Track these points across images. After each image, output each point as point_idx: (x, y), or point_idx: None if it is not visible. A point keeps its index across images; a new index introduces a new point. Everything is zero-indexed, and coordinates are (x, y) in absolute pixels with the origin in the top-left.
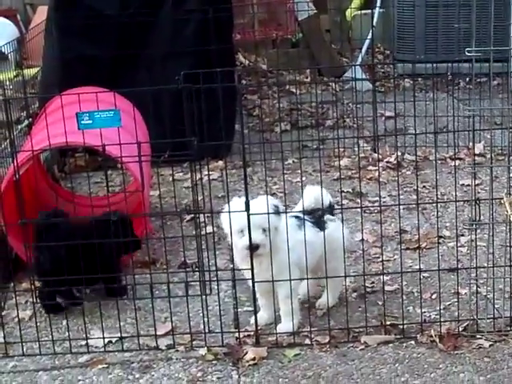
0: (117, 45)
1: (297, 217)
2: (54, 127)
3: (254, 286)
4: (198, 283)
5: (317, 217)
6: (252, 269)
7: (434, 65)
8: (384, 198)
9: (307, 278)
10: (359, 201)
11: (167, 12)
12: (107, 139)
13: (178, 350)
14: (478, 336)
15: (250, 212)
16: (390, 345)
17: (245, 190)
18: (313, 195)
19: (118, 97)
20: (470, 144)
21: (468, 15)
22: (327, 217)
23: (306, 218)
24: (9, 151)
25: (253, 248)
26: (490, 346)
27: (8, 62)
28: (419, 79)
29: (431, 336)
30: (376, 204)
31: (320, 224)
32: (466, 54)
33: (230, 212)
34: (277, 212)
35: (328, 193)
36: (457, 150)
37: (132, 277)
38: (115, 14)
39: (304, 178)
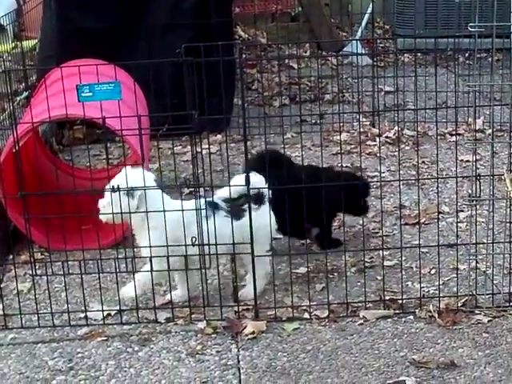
0: (116, 17)
1: (211, 204)
2: (53, 99)
3: (253, 261)
4: (197, 257)
5: (238, 205)
6: (252, 243)
7: (435, 40)
8: (383, 173)
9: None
10: None
11: None
12: (106, 112)
13: (177, 324)
14: (476, 311)
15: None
16: (389, 320)
17: (245, 163)
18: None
19: (118, 69)
20: (469, 120)
21: None
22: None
23: (220, 204)
24: (7, 123)
25: None
26: (489, 321)
27: (6, 34)
28: (419, 54)
29: (430, 311)
30: (375, 179)
31: (236, 213)
32: (469, 29)
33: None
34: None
35: (262, 181)
36: (455, 126)
37: (131, 250)
38: None
39: (301, 153)
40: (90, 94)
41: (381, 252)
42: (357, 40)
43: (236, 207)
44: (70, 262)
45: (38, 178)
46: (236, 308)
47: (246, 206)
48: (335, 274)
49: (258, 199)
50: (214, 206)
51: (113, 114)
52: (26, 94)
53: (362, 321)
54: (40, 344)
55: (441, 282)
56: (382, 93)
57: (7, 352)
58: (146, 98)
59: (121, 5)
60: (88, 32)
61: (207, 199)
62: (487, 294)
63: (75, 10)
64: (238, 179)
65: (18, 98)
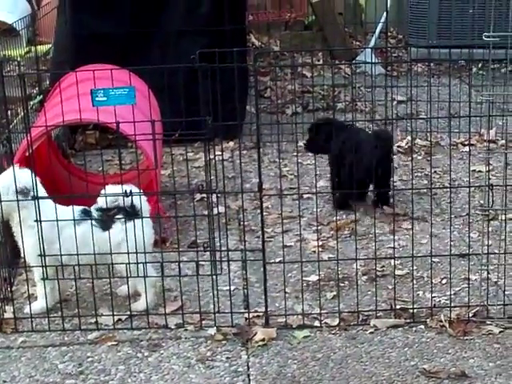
0: (130, 22)
1: (84, 212)
2: (67, 104)
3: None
4: (207, 263)
5: (109, 215)
6: (263, 250)
7: (448, 50)
8: (395, 182)
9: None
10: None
11: None
12: (120, 117)
13: (187, 330)
14: (487, 322)
15: None
16: (400, 329)
17: (258, 170)
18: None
19: (131, 75)
20: (482, 130)
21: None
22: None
23: (92, 214)
24: (21, 127)
25: None
26: (500, 332)
27: (20, 39)
28: (431, 64)
29: (441, 321)
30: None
31: (105, 223)
32: (484, 38)
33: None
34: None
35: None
36: (468, 136)
37: (143, 255)
38: None
39: (313, 161)
40: (105, 98)
41: (392, 261)
42: (370, 48)
43: (106, 217)
44: (81, 267)
45: (50, 182)
46: (246, 315)
47: (116, 218)
48: (346, 282)
49: (130, 212)
50: (86, 215)
51: (126, 120)
52: (39, 98)
53: (372, 329)
54: (50, 348)
55: (452, 292)
56: (395, 102)
57: (17, 355)
58: (158, 104)
59: (135, 10)
60: (102, 37)
61: (83, 208)
62: (498, 305)
63: (89, 16)
64: (112, 189)
65: (32, 103)
